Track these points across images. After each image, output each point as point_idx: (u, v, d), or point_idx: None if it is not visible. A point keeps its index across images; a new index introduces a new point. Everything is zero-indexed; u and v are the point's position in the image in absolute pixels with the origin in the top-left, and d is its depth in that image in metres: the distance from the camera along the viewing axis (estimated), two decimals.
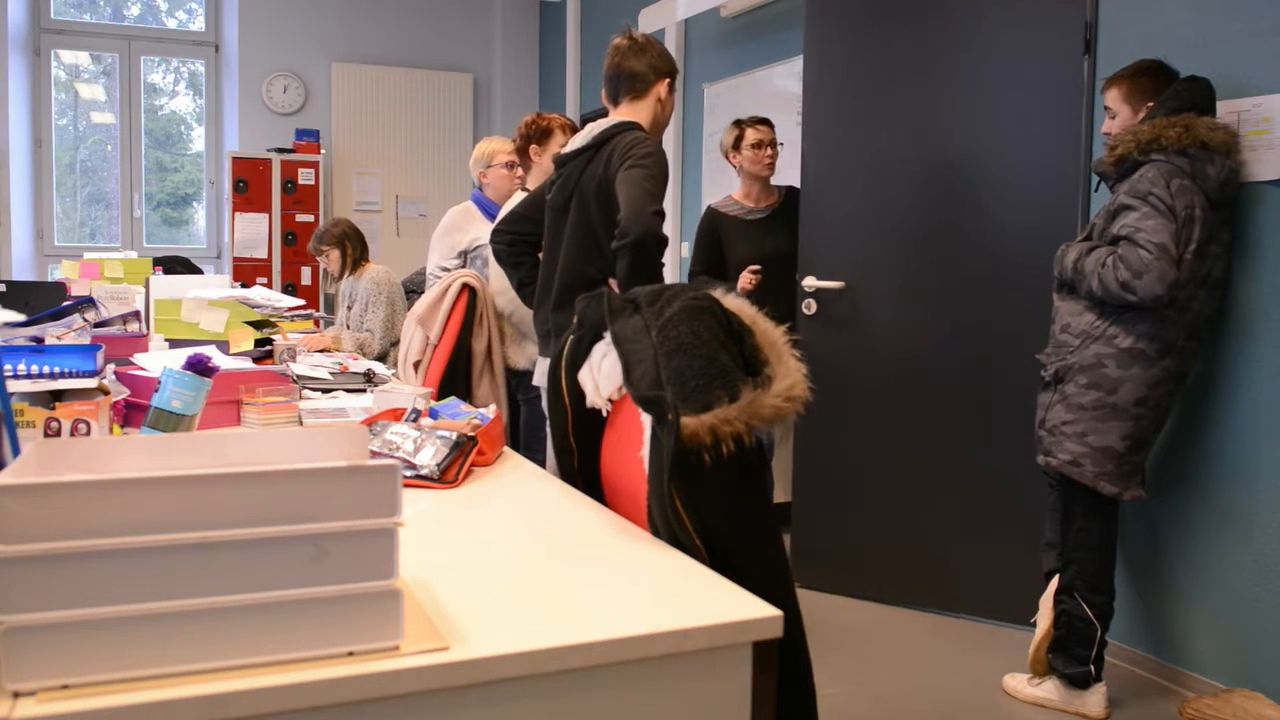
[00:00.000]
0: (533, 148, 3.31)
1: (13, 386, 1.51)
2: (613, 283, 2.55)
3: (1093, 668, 2.58)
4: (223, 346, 2.72)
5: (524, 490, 1.59)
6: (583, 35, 6.52)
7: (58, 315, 2.30)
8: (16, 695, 0.77)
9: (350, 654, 0.86)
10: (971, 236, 3.26)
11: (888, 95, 3.38)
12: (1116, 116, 2.65)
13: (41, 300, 3.07)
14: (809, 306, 3.53)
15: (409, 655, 0.87)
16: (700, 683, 0.99)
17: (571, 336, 1.52)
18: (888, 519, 3.44)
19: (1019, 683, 2.73)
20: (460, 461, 1.62)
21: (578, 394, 1.51)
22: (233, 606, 0.82)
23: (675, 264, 5.28)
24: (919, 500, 3.38)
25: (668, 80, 2.72)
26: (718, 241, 3.84)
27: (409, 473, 1.58)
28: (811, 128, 3.54)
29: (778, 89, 4.49)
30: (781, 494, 3.93)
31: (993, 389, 3.23)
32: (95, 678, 0.78)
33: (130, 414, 1.90)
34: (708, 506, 1.19)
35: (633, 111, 2.71)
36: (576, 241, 2.67)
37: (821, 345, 3.47)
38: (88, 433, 1.50)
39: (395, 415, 1.85)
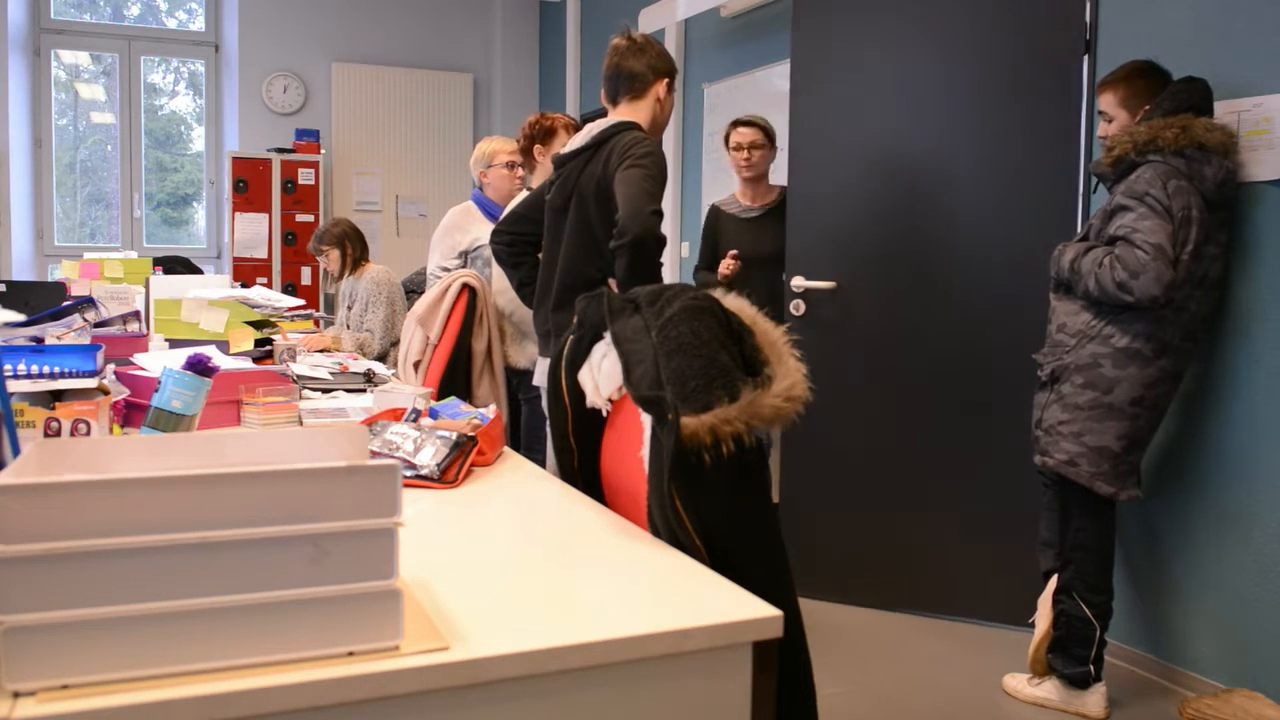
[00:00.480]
0: (537, 148, 3.31)
1: (13, 386, 1.51)
2: (612, 283, 2.55)
3: (1092, 668, 2.58)
4: (223, 346, 2.72)
5: (524, 490, 1.59)
6: (583, 35, 6.52)
7: (58, 315, 2.30)
8: (16, 695, 0.77)
9: (350, 654, 0.86)
10: (970, 237, 3.25)
11: (885, 95, 3.36)
12: (1114, 120, 2.65)
13: (41, 300, 3.07)
14: (797, 308, 3.48)
15: (409, 655, 0.87)
16: (700, 683, 0.99)
17: (571, 336, 1.52)
18: (880, 522, 3.41)
19: (1019, 683, 2.73)
20: (460, 461, 1.62)
21: (578, 394, 1.51)
22: (233, 606, 0.82)
23: (675, 264, 5.28)
24: (912, 503, 3.36)
25: (666, 80, 2.72)
26: (715, 238, 3.86)
27: (409, 473, 1.58)
28: (800, 126, 3.48)
29: (778, 89, 4.49)
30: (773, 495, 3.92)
31: (989, 390, 3.23)
32: (95, 678, 0.78)
33: (130, 414, 1.89)
34: (708, 506, 1.19)
35: (632, 111, 2.71)
36: (576, 241, 2.67)
37: (809, 346, 3.43)
38: (88, 433, 1.50)
39: (395, 415, 1.85)
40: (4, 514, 0.75)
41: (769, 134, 3.79)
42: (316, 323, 3.74)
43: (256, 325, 2.90)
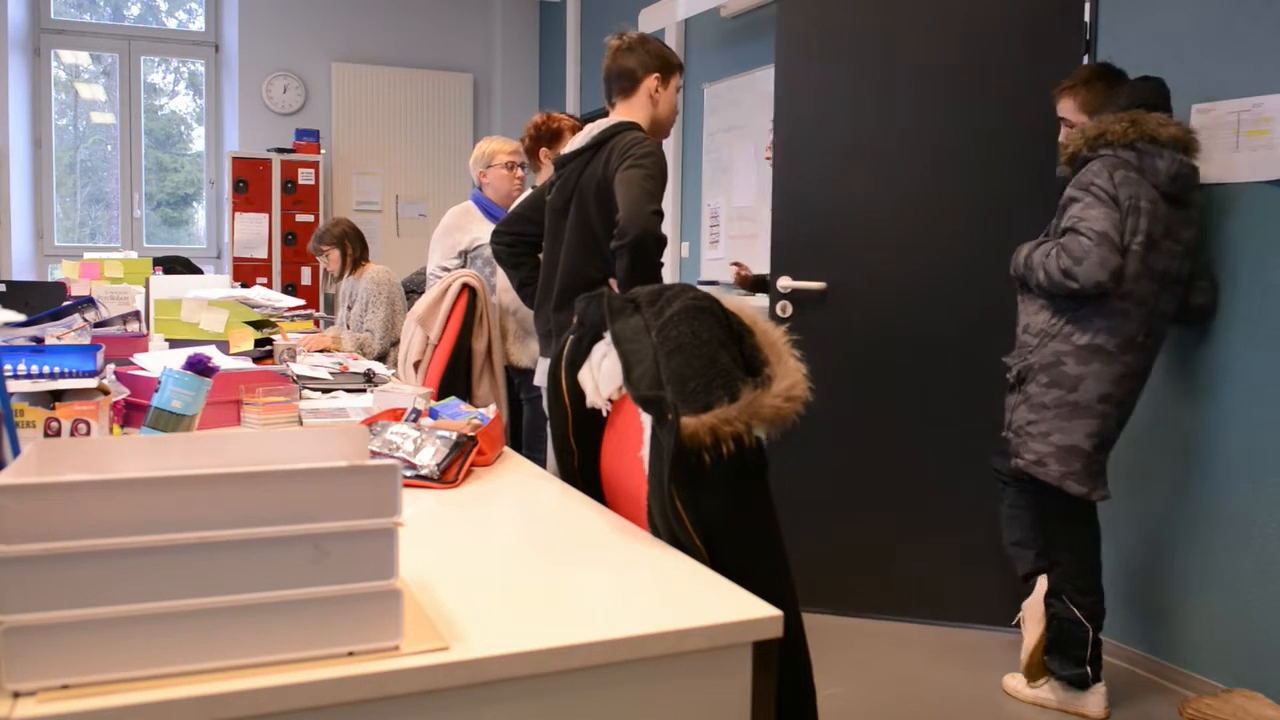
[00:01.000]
0: (542, 150, 3.31)
1: (13, 386, 1.51)
2: (613, 283, 2.55)
3: (1090, 668, 2.58)
4: (223, 346, 2.72)
5: (524, 490, 1.59)
6: (583, 35, 6.52)
7: (58, 315, 2.30)
8: (16, 695, 0.77)
9: (350, 654, 0.86)
10: (962, 239, 3.24)
11: (878, 93, 3.35)
12: (1074, 126, 2.65)
13: (41, 300, 3.07)
14: (784, 309, 3.40)
15: (409, 655, 0.87)
16: (700, 683, 0.99)
17: (571, 336, 1.52)
18: (867, 527, 3.36)
19: (1019, 683, 2.73)
20: (460, 461, 1.62)
21: (578, 394, 1.51)
22: (233, 606, 0.82)
23: (675, 264, 5.28)
24: (906, 508, 3.32)
25: (656, 75, 2.70)
26: None
27: (409, 473, 1.58)
28: (786, 124, 3.39)
29: None
30: None
31: (979, 392, 3.20)
32: (95, 678, 0.78)
33: (130, 414, 1.89)
34: (708, 506, 1.19)
35: (627, 110, 2.71)
36: (576, 242, 2.67)
37: (795, 347, 3.39)
38: (88, 433, 1.50)
39: (395, 415, 1.85)
40: (4, 514, 0.75)
41: None
42: (316, 323, 3.74)
43: (256, 325, 2.90)
